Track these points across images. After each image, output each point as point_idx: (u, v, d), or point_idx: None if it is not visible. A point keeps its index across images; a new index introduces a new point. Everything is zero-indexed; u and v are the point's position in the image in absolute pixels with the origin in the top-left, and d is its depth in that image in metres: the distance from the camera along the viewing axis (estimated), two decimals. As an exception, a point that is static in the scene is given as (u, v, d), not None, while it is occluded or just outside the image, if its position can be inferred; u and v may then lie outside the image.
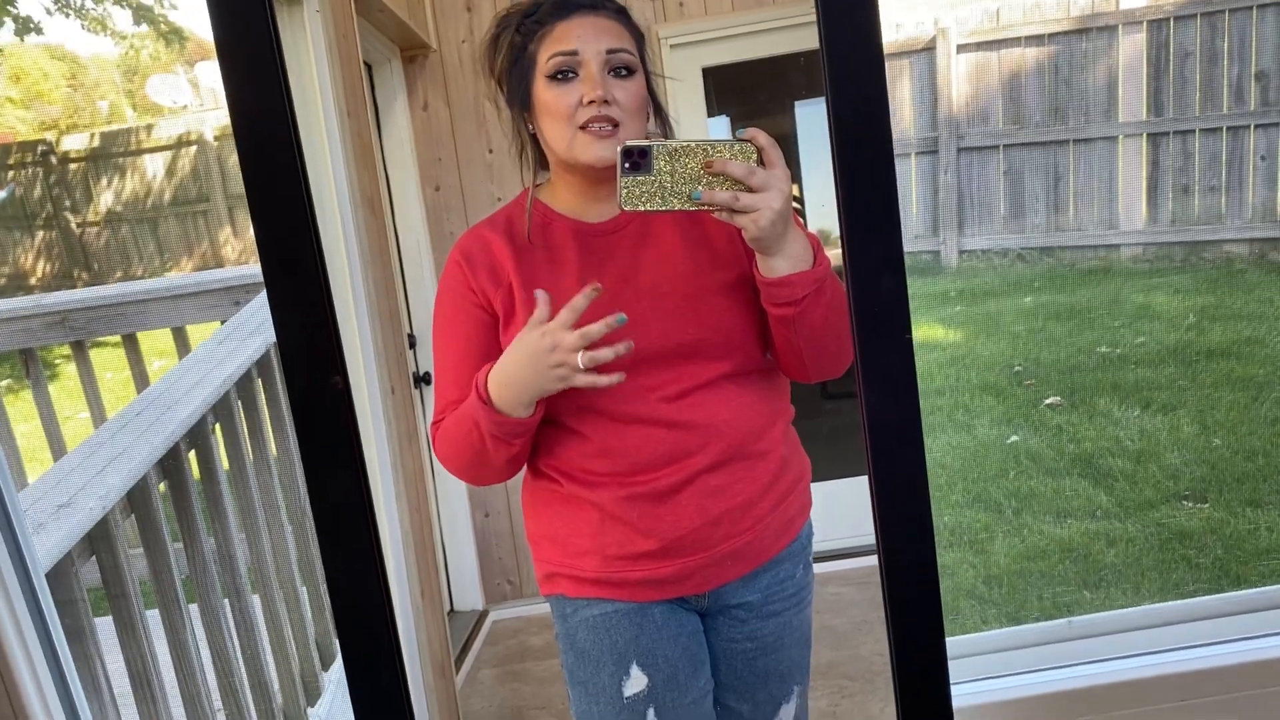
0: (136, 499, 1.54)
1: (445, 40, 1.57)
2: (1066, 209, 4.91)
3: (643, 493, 1.07)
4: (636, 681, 1.12)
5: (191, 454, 1.74)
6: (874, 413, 0.84)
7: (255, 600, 1.89)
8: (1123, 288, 4.56)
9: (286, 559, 1.98)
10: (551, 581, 1.16)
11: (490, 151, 1.59)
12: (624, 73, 1.04)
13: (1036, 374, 3.89)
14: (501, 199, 1.53)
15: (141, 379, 2.70)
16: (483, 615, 1.78)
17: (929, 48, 4.86)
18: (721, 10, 1.64)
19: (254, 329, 2.07)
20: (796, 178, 1.13)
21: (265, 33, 0.79)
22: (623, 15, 1.07)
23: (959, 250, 5.00)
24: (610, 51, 1.03)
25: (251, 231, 0.83)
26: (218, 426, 1.83)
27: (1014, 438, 3.46)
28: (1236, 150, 4.64)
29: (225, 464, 1.87)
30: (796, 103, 1.60)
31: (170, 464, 1.64)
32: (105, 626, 1.46)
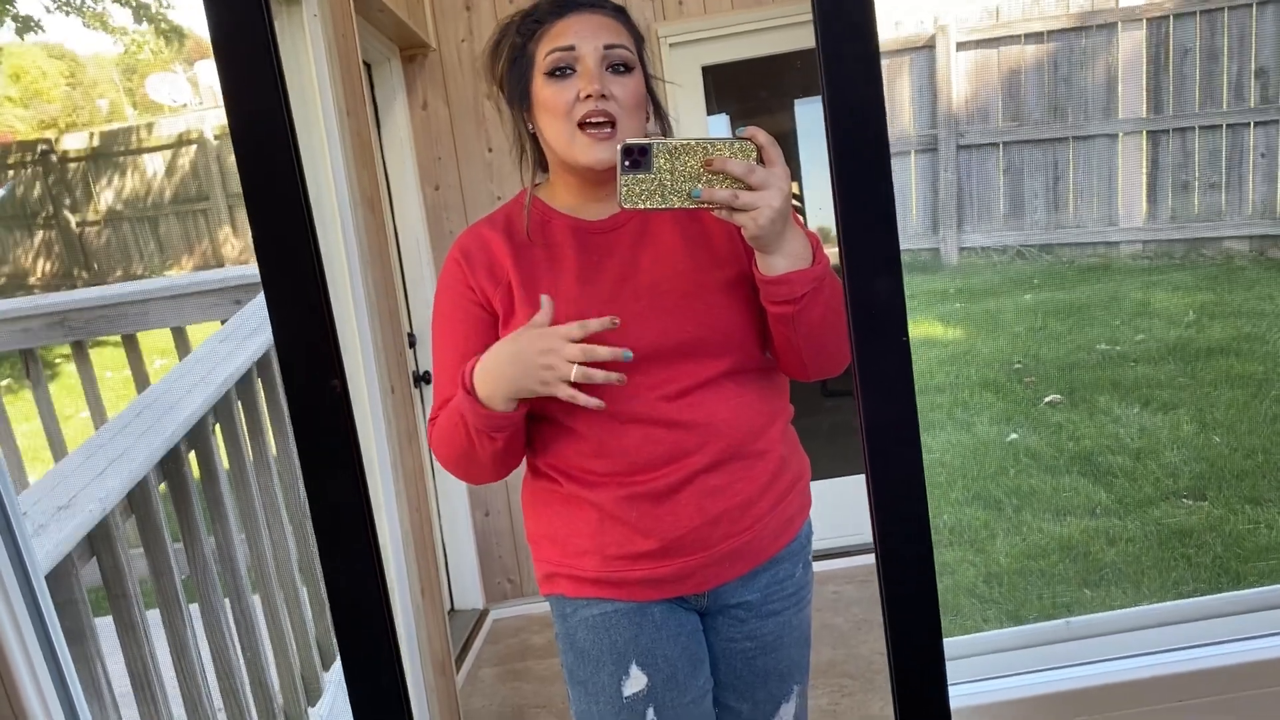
0: (136, 500, 1.54)
1: (444, 39, 1.57)
2: (1066, 206, 4.91)
3: (642, 492, 1.07)
4: (636, 681, 1.12)
5: (192, 454, 1.74)
6: (871, 413, 0.84)
7: (256, 600, 1.89)
8: (1122, 285, 4.56)
9: (287, 559, 1.99)
10: (551, 581, 1.16)
11: (490, 150, 1.59)
12: (622, 69, 1.04)
13: (1036, 371, 3.89)
14: (501, 197, 1.53)
15: (141, 379, 2.70)
16: (483, 614, 1.79)
17: (929, 45, 4.86)
18: (721, 9, 1.64)
19: (254, 329, 2.07)
20: (796, 176, 1.13)
21: (262, 33, 0.79)
22: (621, 14, 1.07)
23: (959, 247, 5.00)
24: (608, 47, 1.03)
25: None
26: (218, 427, 1.83)
27: (1014, 435, 3.46)
28: (1236, 147, 4.64)
29: (225, 464, 1.87)
30: (796, 101, 1.60)
31: (170, 465, 1.64)
32: (105, 626, 1.46)
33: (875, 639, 1.41)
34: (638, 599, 1.12)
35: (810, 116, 1.53)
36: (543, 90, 1.04)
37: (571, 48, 1.03)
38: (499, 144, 1.44)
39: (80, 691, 1.16)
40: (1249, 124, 4.60)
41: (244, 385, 1.92)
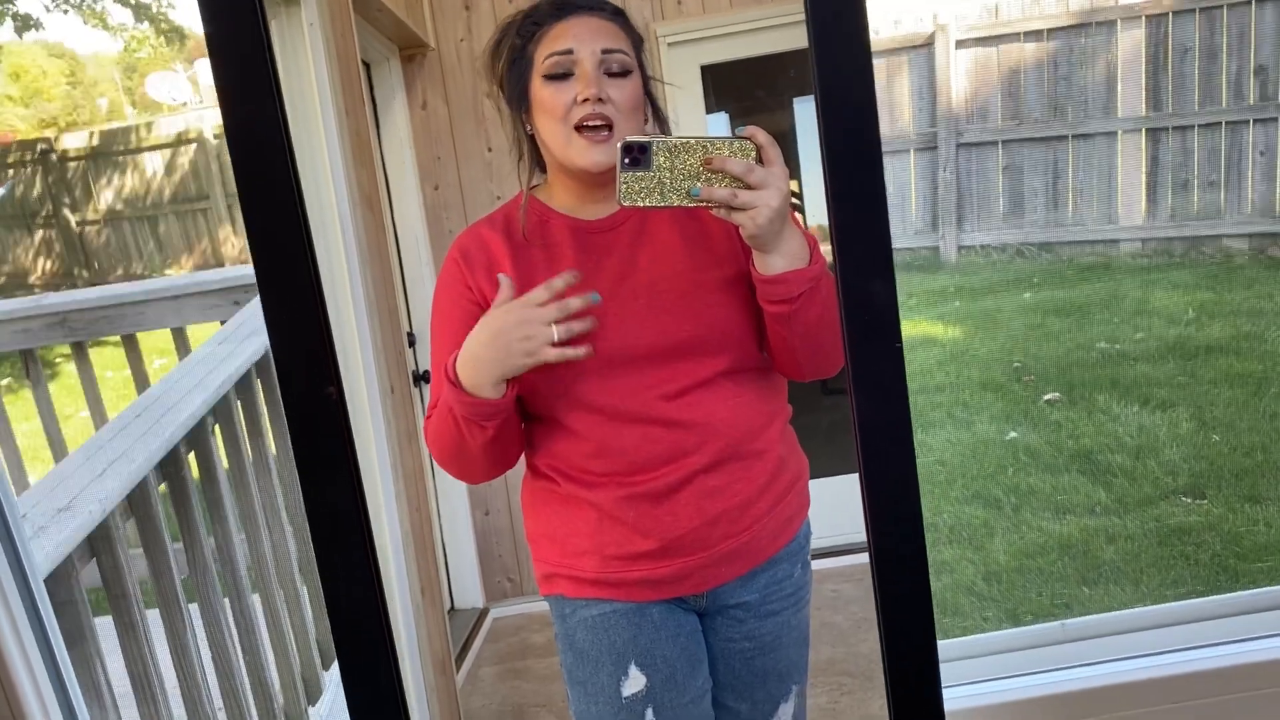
0: (136, 501, 1.54)
1: (444, 39, 1.57)
2: (1065, 204, 4.91)
3: (641, 493, 1.07)
4: (635, 681, 1.12)
5: (191, 455, 1.75)
6: (864, 416, 0.85)
7: (256, 600, 1.89)
8: (1122, 283, 4.56)
9: (287, 558, 1.99)
10: (550, 582, 1.16)
11: (489, 150, 1.59)
12: (619, 72, 1.04)
13: (1036, 370, 3.89)
14: (501, 197, 1.53)
15: (141, 379, 2.70)
16: (483, 613, 1.79)
17: (928, 43, 4.85)
18: (719, 8, 1.64)
19: (254, 329, 2.07)
20: (795, 174, 1.13)
21: (257, 35, 0.79)
22: (620, 17, 1.07)
23: (958, 246, 5.00)
24: (605, 51, 1.04)
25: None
26: (217, 427, 1.83)
27: (1013, 434, 3.46)
28: (1235, 145, 4.63)
29: (225, 464, 1.87)
30: (795, 100, 1.60)
31: (170, 465, 1.64)
32: (105, 626, 1.46)
33: (874, 637, 1.41)
34: (636, 599, 1.12)
35: (809, 115, 1.53)
36: (541, 92, 1.05)
37: (569, 51, 1.03)
38: (498, 143, 1.44)
39: (79, 693, 1.16)
40: (1248, 122, 4.59)
41: (243, 386, 1.93)
